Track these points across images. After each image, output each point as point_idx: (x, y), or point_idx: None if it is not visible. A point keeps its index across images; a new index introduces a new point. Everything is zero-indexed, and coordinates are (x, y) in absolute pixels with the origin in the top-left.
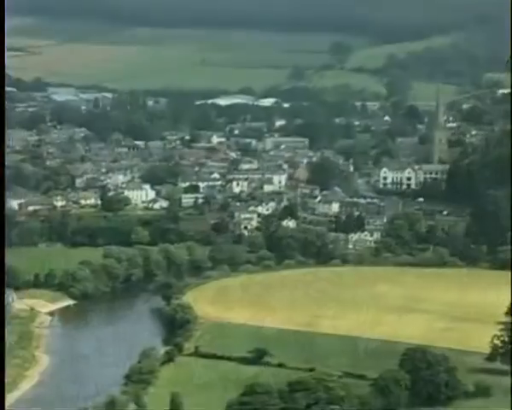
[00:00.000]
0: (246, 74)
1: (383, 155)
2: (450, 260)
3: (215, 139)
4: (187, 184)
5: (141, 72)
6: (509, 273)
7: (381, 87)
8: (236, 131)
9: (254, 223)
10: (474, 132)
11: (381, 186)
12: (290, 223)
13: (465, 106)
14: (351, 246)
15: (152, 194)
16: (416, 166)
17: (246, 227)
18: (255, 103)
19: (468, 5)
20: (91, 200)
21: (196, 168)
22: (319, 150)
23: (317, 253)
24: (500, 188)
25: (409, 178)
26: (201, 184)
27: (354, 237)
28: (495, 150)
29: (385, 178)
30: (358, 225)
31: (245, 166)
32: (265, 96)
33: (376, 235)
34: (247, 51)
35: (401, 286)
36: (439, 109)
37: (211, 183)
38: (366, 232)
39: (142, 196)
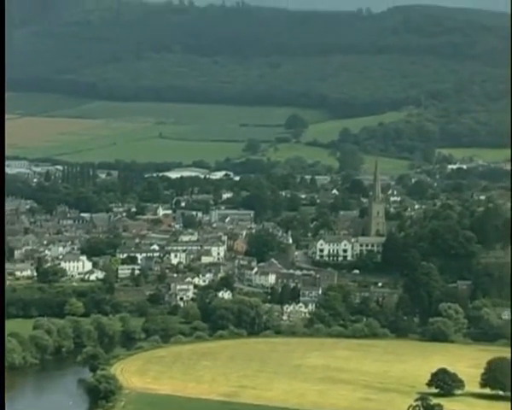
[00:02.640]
0: (202, 147)
1: (322, 228)
2: (380, 331)
3: (161, 211)
4: (125, 255)
5: (97, 144)
6: (439, 344)
7: (333, 161)
8: (183, 204)
9: (190, 294)
10: (416, 206)
11: (318, 258)
12: (226, 294)
13: (413, 180)
14: (285, 317)
15: (89, 265)
16: (353, 239)
17: (182, 298)
18: (206, 176)
19: (421, 81)
20: (27, 271)
21: (137, 240)
22: (261, 222)
23: (251, 324)
24: (433, 260)
25: (345, 250)
26: (139, 256)
27: (289, 308)
28: (430, 223)
29: (321, 250)
30: (294, 296)
31: (185, 238)
32: (219, 169)
33: (311, 306)
34: (204, 125)
35: (330, 357)
36: (376, 183)
37: (149, 254)
38: (301, 304)
39: (78, 267)
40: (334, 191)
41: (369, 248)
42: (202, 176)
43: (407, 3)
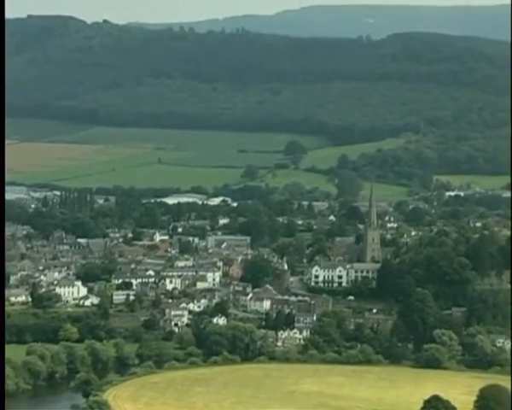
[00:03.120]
0: (200, 173)
1: (317, 254)
2: (375, 357)
3: (158, 237)
4: (120, 280)
5: (95, 170)
6: (433, 371)
7: (332, 187)
8: (180, 229)
9: (185, 320)
10: (413, 233)
11: (313, 284)
12: (220, 320)
13: (410, 207)
14: (280, 343)
15: (84, 291)
16: (348, 265)
17: (176, 324)
18: (204, 202)
19: (420, 108)
20: (22, 297)
21: (132, 265)
22: (257, 248)
23: (245, 350)
24: (428, 286)
25: (340, 277)
26: (135, 281)
27: (284, 334)
28: (425, 250)
29: (316, 277)
30: (288, 322)
31: (180, 264)
32: (216, 195)
33: (305, 332)
34: (202, 151)
35: (324, 383)
36: (371, 210)
37: (144, 279)
38: (295, 330)
39: (73, 292)
40: (332, 217)
41: (364, 274)
42: (200, 202)
43: (406, 31)
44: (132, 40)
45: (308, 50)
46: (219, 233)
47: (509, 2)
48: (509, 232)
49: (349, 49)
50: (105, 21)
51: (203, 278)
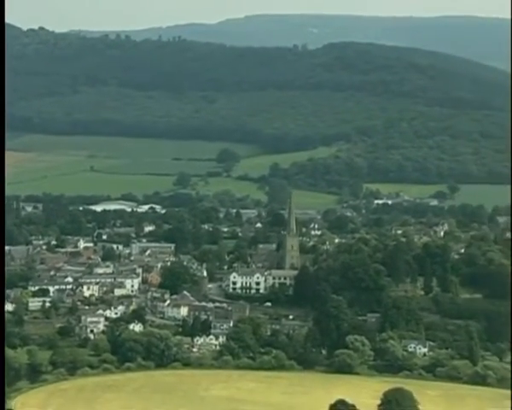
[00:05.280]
0: (132, 181)
1: (237, 261)
2: (288, 363)
3: (82, 244)
4: (36, 287)
5: (27, 177)
6: (344, 376)
7: (263, 195)
8: (104, 237)
9: (101, 326)
10: (336, 240)
11: (231, 291)
12: (137, 327)
13: (337, 215)
14: (195, 349)
15: None
16: (266, 272)
17: (92, 331)
18: (134, 209)
19: (352, 118)
20: None
21: (52, 272)
22: (177, 255)
23: (160, 356)
24: (344, 293)
25: (258, 283)
26: (52, 288)
27: (200, 340)
28: (342, 257)
29: (234, 283)
30: (205, 328)
31: (100, 271)
32: (147, 203)
33: (222, 338)
34: (136, 158)
35: (235, 389)
36: (291, 217)
37: (62, 286)
38: (212, 336)
39: None
40: (258, 225)
41: (282, 281)
42: (129, 209)
43: (344, 40)
44: (68, 48)
45: (244, 59)
46: (144, 240)
47: (448, 14)
48: (426, 239)
49: (284, 59)
50: (41, 28)
51: (121, 285)
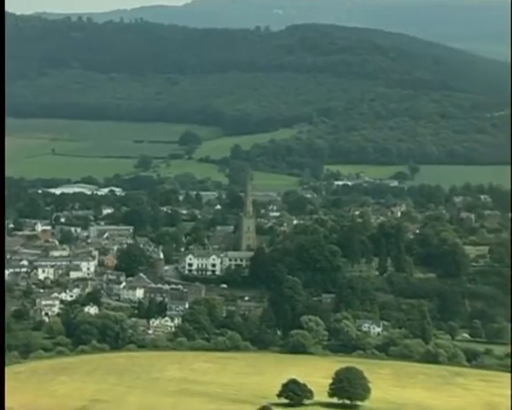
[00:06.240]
0: (93, 163)
1: (194, 243)
2: (242, 344)
3: (40, 227)
4: None
5: None
6: (298, 356)
7: (224, 177)
8: (63, 219)
9: (56, 309)
10: (295, 222)
11: (187, 272)
12: (92, 309)
13: (296, 196)
14: (151, 331)
15: None
16: (222, 254)
17: (47, 314)
18: (94, 192)
19: (314, 99)
20: None
21: (8, 256)
22: (135, 238)
23: (115, 338)
24: (299, 274)
25: (213, 265)
26: (7, 271)
27: (155, 322)
28: (298, 238)
29: (190, 265)
30: (160, 310)
31: (56, 254)
32: (107, 186)
33: (177, 320)
34: (97, 141)
35: (189, 370)
36: (247, 199)
37: (17, 269)
38: (167, 318)
39: None
40: (218, 207)
41: (238, 262)
42: (89, 192)
43: (306, 22)
44: (31, 30)
45: (207, 41)
46: (102, 223)
47: None
48: (383, 219)
49: (246, 40)
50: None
51: (77, 268)
